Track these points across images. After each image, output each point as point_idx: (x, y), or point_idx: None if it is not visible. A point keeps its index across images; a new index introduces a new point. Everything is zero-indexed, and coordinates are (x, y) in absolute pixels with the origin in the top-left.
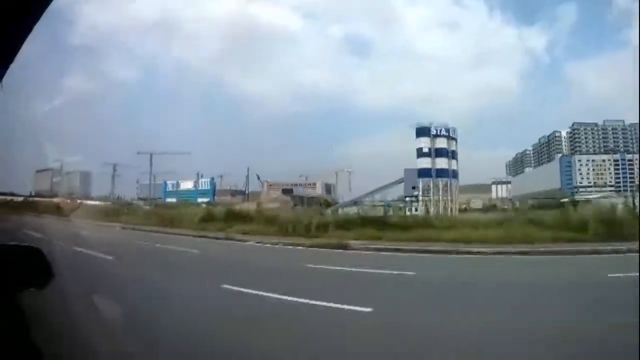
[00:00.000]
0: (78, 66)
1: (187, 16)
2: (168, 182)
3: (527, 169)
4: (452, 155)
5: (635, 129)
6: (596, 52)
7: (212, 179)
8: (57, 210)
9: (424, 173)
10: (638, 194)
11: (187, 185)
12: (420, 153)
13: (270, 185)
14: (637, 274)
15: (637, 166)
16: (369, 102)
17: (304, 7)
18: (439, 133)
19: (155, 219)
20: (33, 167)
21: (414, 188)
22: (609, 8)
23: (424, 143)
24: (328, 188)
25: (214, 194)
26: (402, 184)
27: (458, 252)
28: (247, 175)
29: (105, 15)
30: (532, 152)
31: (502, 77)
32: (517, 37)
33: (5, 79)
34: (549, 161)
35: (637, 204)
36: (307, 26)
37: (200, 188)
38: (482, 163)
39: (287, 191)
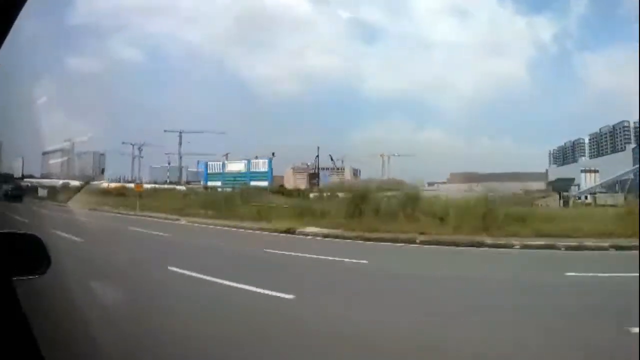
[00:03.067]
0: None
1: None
2: (210, 162)
3: (581, 159)
4: None
5: None
6: (610, 45)
7: (270, 159)
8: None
9: None
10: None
11: (236, 166)
12: None
13: (293, 169)
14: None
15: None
16: (378, 89)
17: None
18: None
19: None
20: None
21: None
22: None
23: None
24: (355, 173)
25: (272, 177)
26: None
27: None
28: (317, 156)
29: None
30: (588, 141)
31: (512, 66)
32: (528, 26)
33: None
34: (612, 152)
35: None
36: (316, 10)
37: (254, 170)
38: (489, 151)
39: (313, 176)
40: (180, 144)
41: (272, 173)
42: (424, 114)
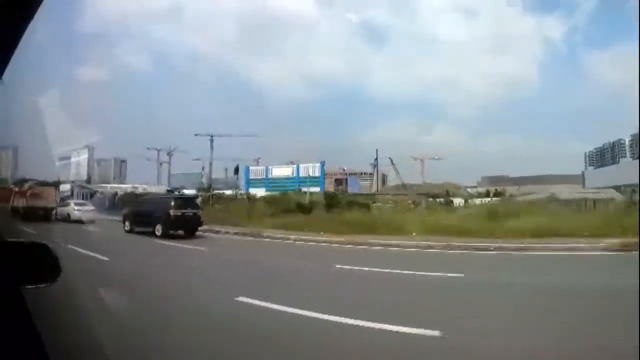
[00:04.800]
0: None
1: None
2: (251, 167)
3: (622, 160)
4: None
5: None
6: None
7: (323, 163)
8: None
9: None
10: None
11: (283, 171)
12: None
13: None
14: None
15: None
16: (385, 89)
17: None
18: None
19: None
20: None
21: None
22: None
23: None
24: (383, 179)
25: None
26: None
27: None
28: (376, 158)
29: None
30: (629, 142)
31: (520, 65)
32: (535, 24)
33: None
34: None
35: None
36: (322, 13)
37: (304, 175)
38: (494, 152)
39: (339, 181)
40: (212, 148)
41: (324, 178)
42: (445, 117)
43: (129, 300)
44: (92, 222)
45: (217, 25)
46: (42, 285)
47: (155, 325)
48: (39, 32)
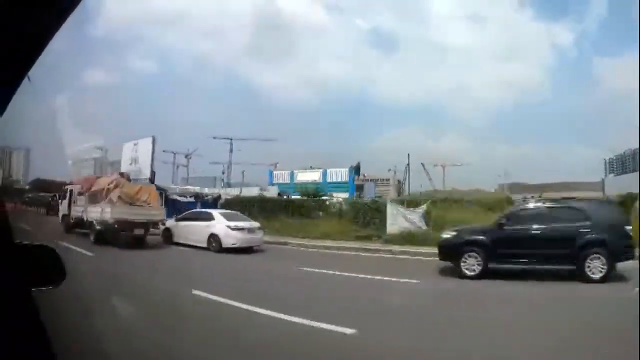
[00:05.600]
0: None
1: (213, 10)
2: (275, 172)
3: None
4: None
5: None
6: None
7: (351, 168)
8: None
9: None
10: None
11: (309, 176)
12: None
13: None
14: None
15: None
16: (395, 95)
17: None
18: None
19: None
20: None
21: None
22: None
23: None
24: (399, 185)
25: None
26: None
27: None
28: (408, 164)
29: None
30: None
31: (529, 71)
32: (545, 30)
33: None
34: None
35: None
36: (332, 19)
37: (331, 180)
38: (506, 158)
39: (358, 187)
40: (231, 151)
41: (354, 184)
42: (456, 123)
43: None
44: (255, 248)
45: (228, 31)
46: (48, 288)
47: None
48: (65, 38)
